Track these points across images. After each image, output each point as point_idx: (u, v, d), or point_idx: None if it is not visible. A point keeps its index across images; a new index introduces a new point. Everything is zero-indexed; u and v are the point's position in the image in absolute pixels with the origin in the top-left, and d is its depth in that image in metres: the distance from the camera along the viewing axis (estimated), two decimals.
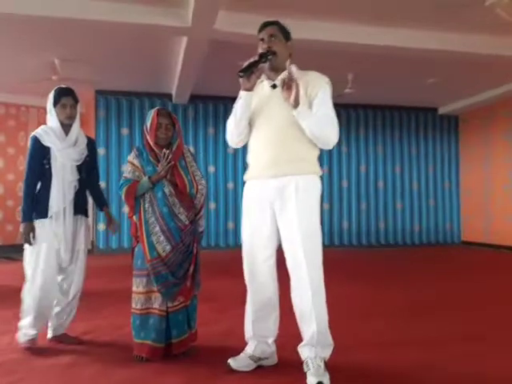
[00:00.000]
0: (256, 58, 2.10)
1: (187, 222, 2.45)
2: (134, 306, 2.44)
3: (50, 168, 2.54)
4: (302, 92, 2.07)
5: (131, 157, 2.55)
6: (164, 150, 2.47)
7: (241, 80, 2.11)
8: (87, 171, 2.69)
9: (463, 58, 5.85)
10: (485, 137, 8.67)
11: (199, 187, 2.55)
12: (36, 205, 2.53)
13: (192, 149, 7.74)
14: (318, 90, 2.12)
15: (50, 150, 2.55)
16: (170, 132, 2.52)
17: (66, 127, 2.61)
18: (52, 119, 2.61)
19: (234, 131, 2.22)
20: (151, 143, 2.51)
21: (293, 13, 4.97)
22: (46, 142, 2.55)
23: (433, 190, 9.17)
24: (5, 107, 7.88)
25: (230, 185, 8.22)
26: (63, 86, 2.72)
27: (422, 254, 7.78)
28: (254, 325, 2.27)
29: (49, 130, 2.58)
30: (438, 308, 3.62)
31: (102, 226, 7.65)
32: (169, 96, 7.83)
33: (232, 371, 2.22)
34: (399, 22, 5.15)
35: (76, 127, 2.64)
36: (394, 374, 2.22)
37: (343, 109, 8.52)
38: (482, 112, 8.60)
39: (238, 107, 2.16)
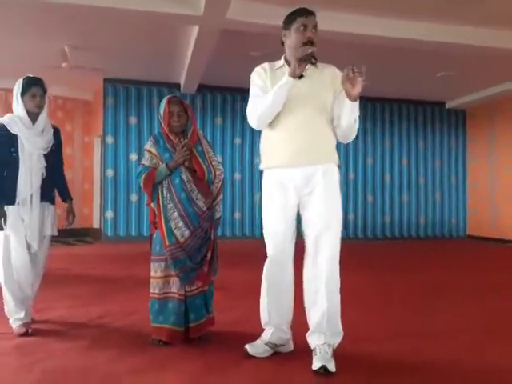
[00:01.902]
0: (314, 49, 2.11)
1: (205, 208, 2.47)
2: (152, 290, 2.47)
3: (17, 156, 2.56)
4: (328, 82, 2.17)
5: (148, 145, 2.58)
6: (182, 139, 2.50)
7: (296, 66, 2.09)
8: (53, 161, 2.71)
9: (475, 52, 5.82)
10: (492, 131, 8.65)
11: (217, 173, 2.57)
12: (4, 191, 2.55)
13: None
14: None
15: (17, 138, 2.57)
16: (183, 119, 2.53)
17: (33, 116, 2.62)
18: (19, 108, 2.60)
19: (269, 115, 2.17)
20: (166, 131, 2.53)
21: (305, 3, 4.93)
22: (13, 130, 2.56)
23: (439, 184, 9.18)
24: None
25: (237, 175, 8.24)
26: (31, 75, 2.70)
27: (428, 247, 7.80)
28: (270, 312, 2.28)
29: (16, 118, 2.58)
30: (446, 301, 3.64)
31: (109, 214, 7.69)
32: (177, 85, 7.83)
33: (249, 357, 2.25)
34: (411, 14, 5.11)
35: (43, 116, 2.66)
36: (402, 363, 2.25)
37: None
38: (489, 107, 8.57)
39: (284, 92, 2.10)
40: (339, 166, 2.28)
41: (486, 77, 7.27)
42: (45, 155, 2.65)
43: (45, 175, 2.65)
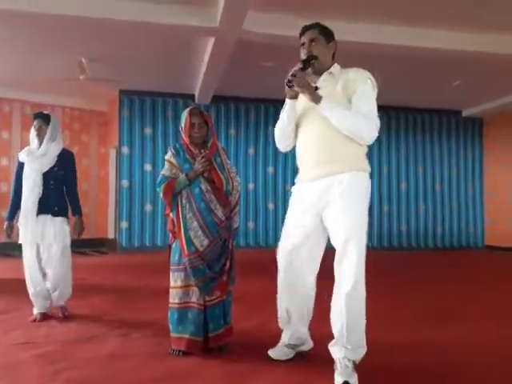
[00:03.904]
0: (300, 65, 2.13)
1: (223, 218, 2.49)
2: (171, 300, 2.47)
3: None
4: (339, 89, 2.11)
5: (168, 155, 2.60)
6: (202, 150, 2.52)
7: (286, 89, 2.15)
8: (56, 179, 3.16)
9: (491, 59, 5.77)
10: (510, 139, 8.53)
11: (235, 184, 2.60)
12: (17, 208, 3.13)
13: None
14: (357, 87, 2.11)
15: (23, 165, 3.16)
16: (204, 130, 2.56)
17: (41, 143, 3.18)
18: (32, 139, 3.22)
19: (281, 136, 2.30)
20: (187, 142, 2.55)
21: (320, 14, 4.94)
22: (20, 159, 3.20)
23: (456, 193, 9.07)
24: (30, 106, 8.03)
25: (251, 185, 8.25)
26: (38, 111, 3.33)
27: (445, 257, 7.69)
28: (289, 315, 2.33)
29: (25, 149, 3.22)
30: (465, 313, 3.57)
31: (124, 224, 7.74)
32: (191, 96, 7.90)
33: (269, 367, 2.24)
34: (425, 22, 5.10)
35: (45, 143, 3.16)
36: (427, 375, 2.21)
37: None
38: (507, 114, 8.46)
39: (285, 114, 2.22)
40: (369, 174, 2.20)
41: (504, 84, 7.19)
42: (45, 175, 3.12)
43: (41, 193, 3.09)
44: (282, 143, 2.33)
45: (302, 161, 2.27)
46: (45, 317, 3.13)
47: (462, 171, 9.14)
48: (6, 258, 6.74)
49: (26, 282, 3.17)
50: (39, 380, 2.08)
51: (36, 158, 3.13)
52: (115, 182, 8.19)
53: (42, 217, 3.09)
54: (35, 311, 3.15)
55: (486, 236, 9.08)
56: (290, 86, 2.12)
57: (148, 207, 7.84)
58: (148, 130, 7.96)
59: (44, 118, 3.21)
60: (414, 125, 8.96)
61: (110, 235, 8.48)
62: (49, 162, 3.14)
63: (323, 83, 2.18)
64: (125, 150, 7.84)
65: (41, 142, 3.17)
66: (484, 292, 4.45)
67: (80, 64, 6.16)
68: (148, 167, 7.87)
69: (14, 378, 2.12)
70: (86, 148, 8.55)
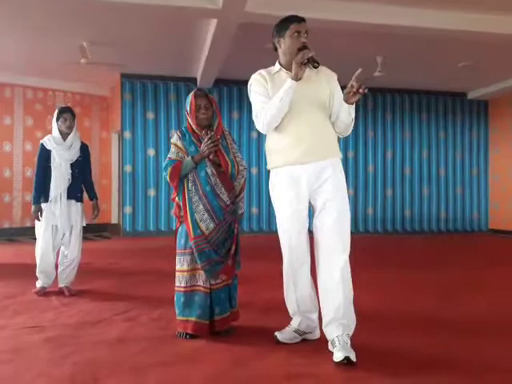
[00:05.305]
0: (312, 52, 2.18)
1: (228, 202, 2.50)
2: (177, 284, 2.48)
3: (50, 166, 3.43)
4: (324, 83, 2.30)
5: (175, 139, 2.60)
6: (208, 131, 2.51)
7: (297, 70, 2.15)
8: (79, 169, 3.53)
9: (497, 40, 5.68)
10: None
11: (240, 168, 2.60)
12: (43, 192, 3.41)
13: None
14: (336, 84, 2.34)
15: (51, 153, 3.43)
16: (210, 111, 2.55)
17: (64, 135, 3.49)
18: (54, 129, 3.50)
19: (275, 118, 2.26)
20: (193, 126, 2.55)
21: None
22: (48, 147, 3.46)
23: (460, 177, 9.03)
24: (32, 91, 7.98)
25: (254, 169, 8.23)
26: (64, 105, 3.65)
27: (449, 241, 7.71)
28: (298, 301, 2.35)
29: (51, 138, 3.50)
30: (470, 295, 3.58)
31: (128, 209, 7.75)
32: (193, 80, 7.83)
33: (274, 350, 2.26)
34: (429, 2, 5.01)
35: (72, 135, 3.50)
36: (427, 355, 2.23)
37: (370, 93, 8.37)
38: None
39: (288, 96, 2.19)
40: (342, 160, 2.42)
41: (509, 67, 7.09)
42: (71, 165, 3.47)
43: (71, 180, 3.46)
44: (272, 125, 2.29)
45: (293, 145, 2.27)
46: (46, 292, 3.45)
47: (467, 154, 9.09)
48: (9, 243, 6.80)
49: (37, 259, 3.47)
50: (48, 364, 2.09)
51: (64, 148, 3.45)
52: (118, 167, 8.18)
53: (69, 201, 3.47)
54: (38, 285, 3.48)
55: (490, 220, 9.07)
56: (316, 67, 2.19)
57: (151, 192, 7.84)
58: (150, 115, 7.91)
59: (72, 113, 3.51)
60: (419, 107, 8.87)
61: (114, 220, 8.51)
62: (75, 153, 3.51)
63: (304, 74, 2.22)
64: (127, 134, 7.81)
65: (66, 135, 3.47)
66: (488, 275, 4.47)
67: (81, 48, 6.09)
68: (151, 152, 7.85)
69: (24, 361, 2.13)
70: (88, 133, 8.50)
